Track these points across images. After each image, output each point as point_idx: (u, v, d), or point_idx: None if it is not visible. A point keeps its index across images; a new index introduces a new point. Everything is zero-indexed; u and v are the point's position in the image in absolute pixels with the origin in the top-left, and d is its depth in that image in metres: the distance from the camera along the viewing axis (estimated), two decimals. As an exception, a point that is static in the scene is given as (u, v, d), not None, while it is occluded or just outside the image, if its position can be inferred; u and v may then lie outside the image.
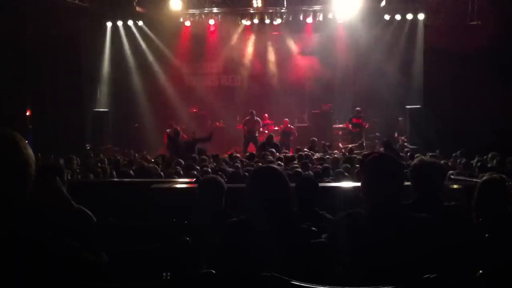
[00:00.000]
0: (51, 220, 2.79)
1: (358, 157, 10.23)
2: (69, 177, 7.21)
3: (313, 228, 2.97)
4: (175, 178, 7.73)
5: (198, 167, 8.63)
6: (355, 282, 2.48)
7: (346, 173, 7.95)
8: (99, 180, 7.91)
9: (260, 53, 18.56)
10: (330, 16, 16.94)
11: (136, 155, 13.27)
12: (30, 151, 1.74)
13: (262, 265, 2.48)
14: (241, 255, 2.73)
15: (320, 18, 17.01)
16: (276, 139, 17.06)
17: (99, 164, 9.57)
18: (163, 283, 2.60)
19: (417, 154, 9.85)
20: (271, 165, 3.49)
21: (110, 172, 8.93)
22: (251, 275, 2.36)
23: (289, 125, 16.53)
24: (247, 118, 16.22)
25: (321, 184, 5.11)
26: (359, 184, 2.93)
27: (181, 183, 6.67)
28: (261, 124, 16.38)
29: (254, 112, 16.21)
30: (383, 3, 16.36)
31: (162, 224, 3.84)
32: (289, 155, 11.69)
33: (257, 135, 16.19)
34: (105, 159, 10.83)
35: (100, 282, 2.06)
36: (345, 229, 2.67)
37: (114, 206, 4.90)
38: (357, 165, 8.66)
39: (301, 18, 17.11)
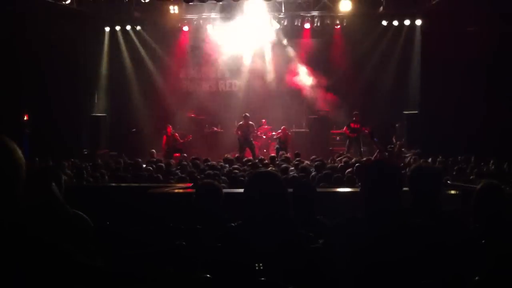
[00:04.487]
0: (45, 224, 2.79)
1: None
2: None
3: (310, 234, 2.97)
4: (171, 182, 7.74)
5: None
6: (352, 287, 2.48)
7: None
8: (96, 185, 7.91)
9: (258, 58, 18.56)
10: (327, 21, 17.00)
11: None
12: (20, 154, 1.73)
13: (259, 270, 2.48)
14: (238, 260, 2.73)
15: (318, 23, 17.06)
16: (273, 145, 17.12)
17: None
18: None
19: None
20: (268, 170, 3.50)
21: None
22: (248, 280, 2.35)
23: (286, 132, 16.51)
24: (241, 122, 16.06)
25: (318, 189, 5.11)
26: (356, 189, 2.93)
27: (178, 188, 6.67)
28: (255, 127, 16.24)
29: (247, 115, 16.05)
30: (381, 9, 16.41)
31: (159, 229, 3.84)
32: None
33: (251, 139, 16.03)
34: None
35: (96, 287, 2.05)
36: (342, 234, 2.67)
37: (112, 211, 4.90)
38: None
39: (299, 23, 17.15)
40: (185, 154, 14.15)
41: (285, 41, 18.40)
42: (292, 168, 9.68)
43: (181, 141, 16.45)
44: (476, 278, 2.26)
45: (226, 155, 12.80)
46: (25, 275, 1.62)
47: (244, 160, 11.92)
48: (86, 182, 8.23)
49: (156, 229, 3.85)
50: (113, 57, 18.10)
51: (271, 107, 18.22)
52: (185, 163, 10.98)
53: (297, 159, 11.50)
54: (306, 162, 10.79)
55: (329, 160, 12.16)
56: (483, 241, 2.99)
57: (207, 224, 3.76)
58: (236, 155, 13.79)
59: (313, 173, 8.74)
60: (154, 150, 14.63)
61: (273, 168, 9.15)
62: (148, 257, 3.09)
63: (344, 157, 12.28)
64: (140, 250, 3.31)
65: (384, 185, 2.65)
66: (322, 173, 8.23)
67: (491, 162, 10.05)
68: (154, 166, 10.23)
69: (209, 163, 10.60)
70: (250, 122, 15.93)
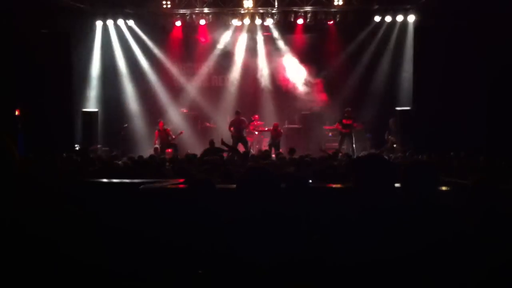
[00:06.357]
0: (39, 220, 2.76)
1: None
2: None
3: (305, 229, 2.97)
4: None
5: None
6: (346, 281, 2.47)
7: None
8: (88, 181, 7.85)
9: (251, 54, 18.55)
10: (320, 17, 17.00)
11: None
12: (14, 149, 1.70)
13: (252, 267, 2.47)
14: (232, 256, 2.72)
15: (311, 19, 17.05)
16: (265, 140, 17.16)
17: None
18: (156, 285, 2.59)
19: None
20: (262, 166, 3.49)
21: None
22: (243, 276, 2.35)
23: (278, 128, 16.51)
24: (233, 119, 16.18)
25: (312, 185, 5.11)
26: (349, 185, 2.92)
27: (171, 184, 6.63)
28: (246, 123, 16.29)
29: (239, 111, 16.19)
30: (374, 5, 16.44)
31: (152, 225, 3.82)
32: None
33: (244, 135, 16.13)
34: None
35: (94, 284, 2.04)
36: (336, 229, 2.67)
37: (103, 207, 4.87)
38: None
39: (292, 19, 17.14)
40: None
41: (278, 37, 18.38)
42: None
43: (174, 136, 16.46)
44: (472, 274, 2.26)
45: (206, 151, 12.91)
46: (24, 274, 1.60)
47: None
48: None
49: (149, 225, 3.83)
50: (105, 51, 18.00)
51: (263, 103, 18.28)
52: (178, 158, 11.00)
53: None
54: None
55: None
56: (477, 237, 2.99)
57: (201, 220, 3.74)
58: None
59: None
60: (157, 146, 15.29)
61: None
62: (142, 254, 3.07)
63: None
64: (133, 247, 3.30)
65: (379, 179, 2.65)
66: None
67: (484, 157, 10.09)
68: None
69: (204, 158, 10.59)
70: (242, 118, 16.03)
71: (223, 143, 12.39)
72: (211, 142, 13.98)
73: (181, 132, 16.81)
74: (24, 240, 1.65)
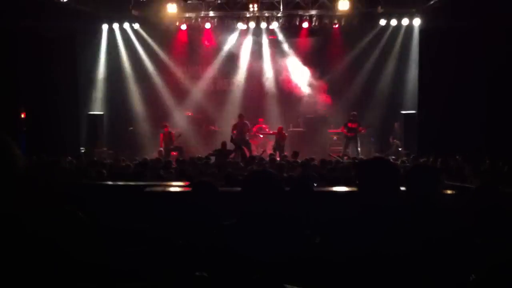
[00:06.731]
0: (41, 221, 2.77)
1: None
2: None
3: (307, 231, 2.97)
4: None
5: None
6: (348, 283, 2.47)
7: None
8: (92, 183, 7.87)
9: (256, 57, 18.56)
10: (326, 21, 17.00)
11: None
12: (17, 151, 1.71)
13: (255, 269, 2.48)
14: (234, 258, 2.72)
15: (316, 23, 17.05)
16: (270, 143, 17.15)
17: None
18: (157, 286, 2.59)
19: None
20: (266, 169, 3.49)
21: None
22: (243, 278, 2.35)
23: (283, 132, 16.51)
24: (236, 122, 16.21)
25: (315, 188, 5.11)
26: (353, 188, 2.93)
27: (175, 186, 6.64)
28: (249, 126, 16.30)
29: (242, 114, 16.22)
30: (379, 9, 16.42)
31: (155, 227, 3.83)
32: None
33: (247, 138, 16.14)
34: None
35: (95, 284, 2.04)
36: (339, 232, 2.67)
37: (108, 209, 4.88)
38: None
39: (297, 22, 17.15)
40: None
41: (283, 40, 18.39)
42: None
43: (173, 139, 16.47)
44: (473, 277, 2.26)
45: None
46: (23, 271, 1.61)
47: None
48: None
49: (153, 227, 3.84)
50: (110, 55, 18.07)
51: (268, 106, 18.29)
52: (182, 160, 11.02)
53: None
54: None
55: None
56: (479, 241, 2.99)
57: (203, 223, 3.75)
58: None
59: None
60: (162, 149, 15.46)
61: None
62: (144, 256, 3.08)
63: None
64: (136, 248, 3.30)
65: (383, 182, 2.65)
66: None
67: (488, 161, 10.06)
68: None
69: (205, 160, 10.63)
70: (245, 121, 16.06)
71: (232, 140, 12.54)
72: (223, 144, 14.11)
73: (180, 132, 16.84)
74: (24, 240, 1.66)
